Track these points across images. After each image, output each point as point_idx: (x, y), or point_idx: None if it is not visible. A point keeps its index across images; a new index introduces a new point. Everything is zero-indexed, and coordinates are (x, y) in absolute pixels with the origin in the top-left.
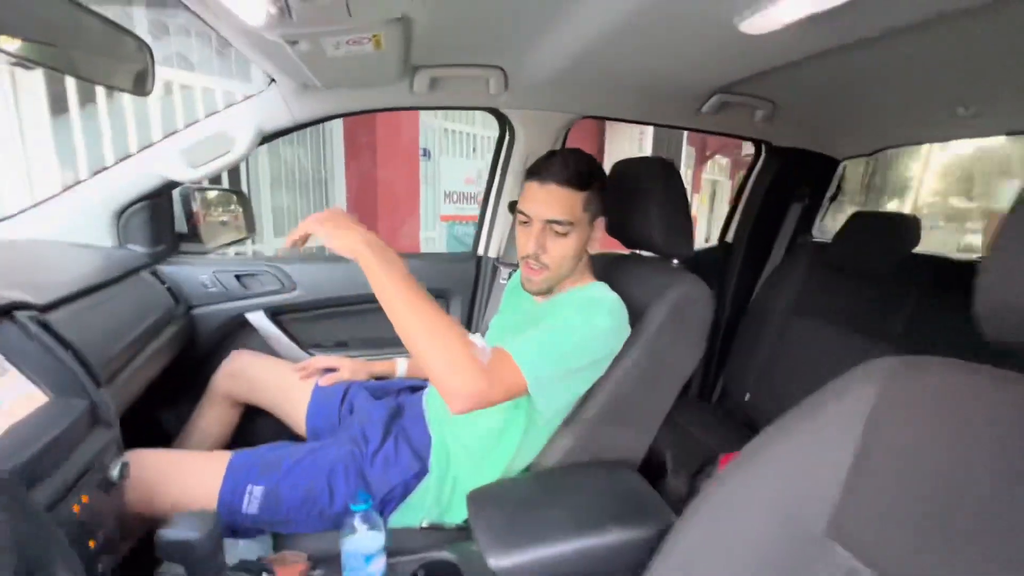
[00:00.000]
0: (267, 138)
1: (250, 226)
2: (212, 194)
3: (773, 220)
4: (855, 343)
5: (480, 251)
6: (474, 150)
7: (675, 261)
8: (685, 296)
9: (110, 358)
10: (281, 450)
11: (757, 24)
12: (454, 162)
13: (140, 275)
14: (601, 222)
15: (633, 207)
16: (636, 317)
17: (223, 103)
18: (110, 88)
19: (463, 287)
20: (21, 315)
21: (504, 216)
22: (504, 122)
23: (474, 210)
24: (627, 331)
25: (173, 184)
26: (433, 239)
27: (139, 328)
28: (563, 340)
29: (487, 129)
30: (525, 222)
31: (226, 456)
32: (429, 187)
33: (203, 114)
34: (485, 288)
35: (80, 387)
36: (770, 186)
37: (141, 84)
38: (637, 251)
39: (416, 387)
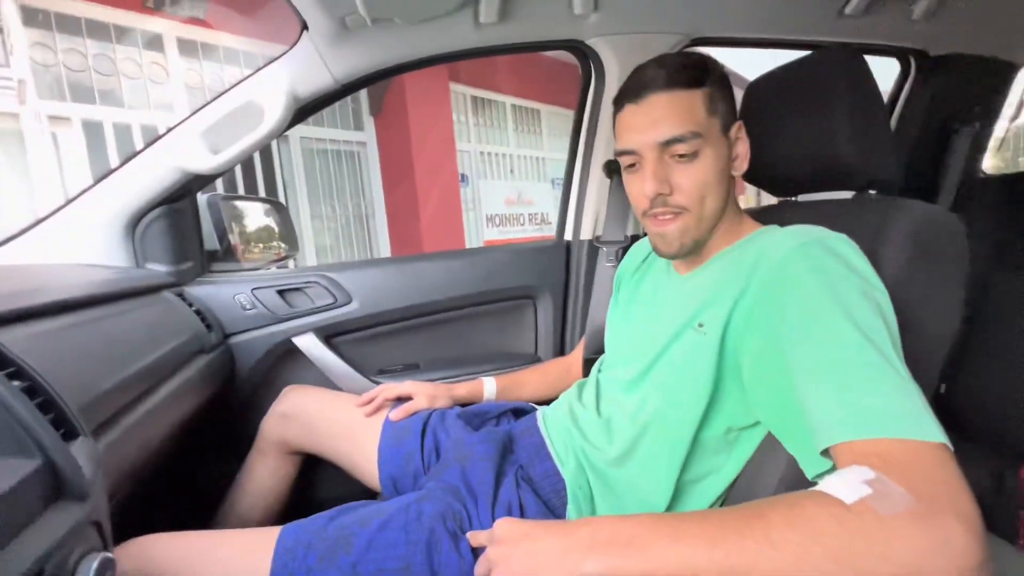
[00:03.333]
0: (304, 111)
1: (292, 243)
2: (245, 205)
3: (932, 156)
4: None
5: (568, 235)
6: (511, 171)
7: (871, 192)
8: (927, 225)
9: (97, 397)
10: (349, 516)
11: None
12: (493, 185)
13: (160, 295)
14: (740, 131)
15: (788, 130)
16: None
17: None
18: None
19: (552, 282)
20: None
21: (598, 185)
22: (587, 61)
23: (519, 232)
24: None
25: (195, 180)
26: None
27: (150, 357)
28: (874, 342)
29: (521, 148)
30: (632, 165)
31: (273, 534)
32: (471, 212)
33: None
34: (580, 278)
35: (28, 439)
36: (928, 110)
37: None
38: (791, 199)
39: (520, 410)
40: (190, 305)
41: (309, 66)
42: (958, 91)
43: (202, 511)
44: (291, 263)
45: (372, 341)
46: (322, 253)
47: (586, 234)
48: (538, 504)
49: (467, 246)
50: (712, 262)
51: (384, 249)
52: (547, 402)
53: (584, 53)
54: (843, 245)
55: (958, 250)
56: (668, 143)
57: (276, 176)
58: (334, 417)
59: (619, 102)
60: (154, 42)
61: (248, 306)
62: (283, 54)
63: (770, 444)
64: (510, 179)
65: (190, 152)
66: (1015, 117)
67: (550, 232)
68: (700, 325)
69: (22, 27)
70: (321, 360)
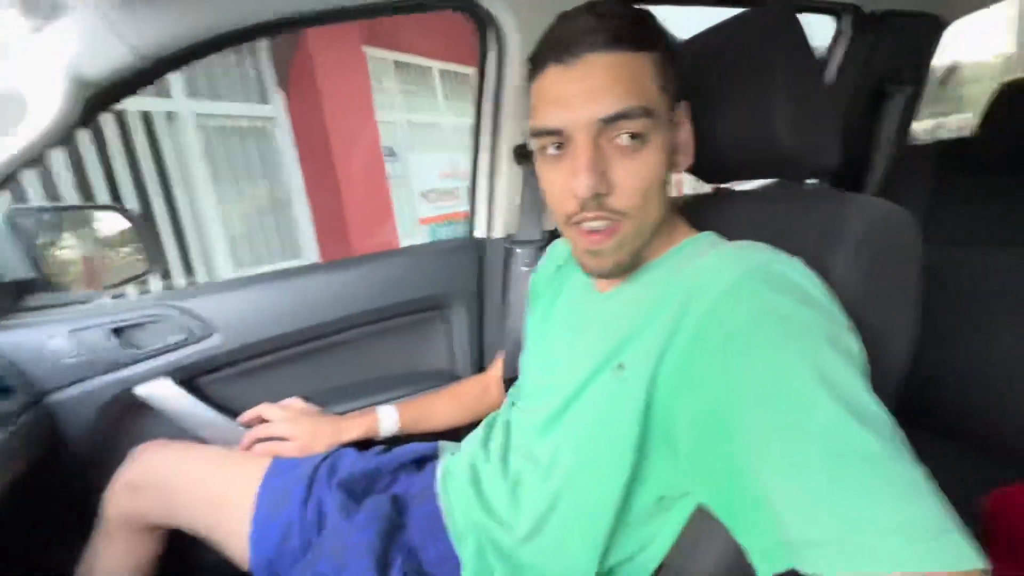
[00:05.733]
0: (107, 95)
1: (154, 256)
2: (74, 216)
3: (863, 124)
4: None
5: (479, 232)
6: (444, 141)
7: (812, 181)
8: (882, 226)
9: None
10: None
11: None
12: (425, 157)
13: None
14: (686, 114)
15: (720, 106)
16: None
17: None
18: None
19: (466, 288)
20: None
21: (509, 174)
22: (483, 25)
23: (458, 207)
24: None
25: None
26: None
27: None
28: (861, 416)
29: (453, 116)
30: (557, 146)
31: None
32: (402, 189)
33: None
34: (496, 282)
35: None
36: (862, 72)
37: None
38: (723, 186)
39: (423, 459)
40: None
41: (94, 38)
42: (890, 51)
43: None
44: (198, 277)
45: (247, 377)
46: (233, 244)
47: (500, 231)
48: None
49: (399, 225)
50: (636, 278)
51: (307, 234)
52: (461, 434)
53: (478, 16)
54: (795, 273)
55: (915, 252)
56: (610, 121)
57: (164, 164)
58: (197, 479)
59: (539, 61)
60: None
61: (69, 353)
62: (48, 24)
63: (706, 511)
64: (444, 150)
65: None
66: (946, 77)
67: None
68: (620, 366)
69: None
70: (178, 410)
